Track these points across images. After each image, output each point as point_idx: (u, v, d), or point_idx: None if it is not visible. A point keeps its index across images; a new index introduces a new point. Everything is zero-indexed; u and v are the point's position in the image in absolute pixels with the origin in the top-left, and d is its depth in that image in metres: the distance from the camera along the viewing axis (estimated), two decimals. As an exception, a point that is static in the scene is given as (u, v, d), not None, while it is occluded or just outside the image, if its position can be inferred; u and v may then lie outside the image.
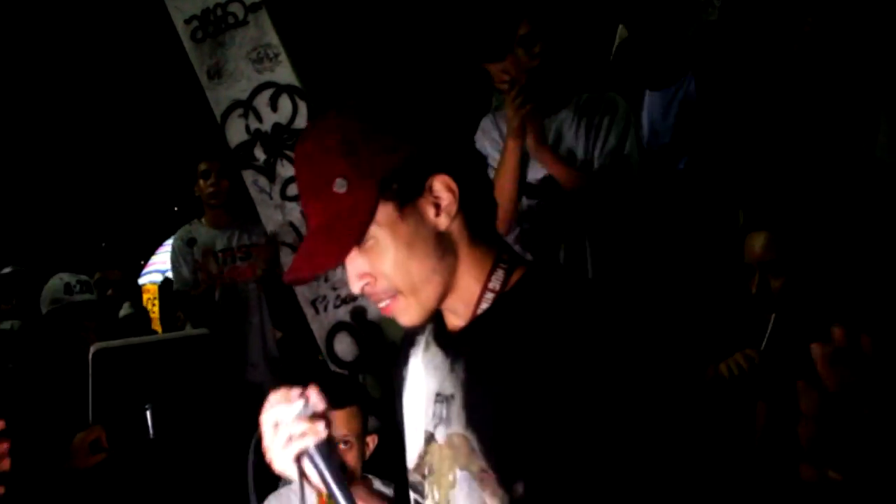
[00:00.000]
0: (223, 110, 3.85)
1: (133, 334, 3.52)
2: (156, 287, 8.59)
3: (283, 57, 3.79)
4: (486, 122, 3.16)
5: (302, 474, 1.38)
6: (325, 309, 3.79)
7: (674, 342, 1.30)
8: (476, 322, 1.39)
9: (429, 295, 1.36)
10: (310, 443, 1.36)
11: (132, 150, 8.63)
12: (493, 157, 2.97)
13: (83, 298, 3.81)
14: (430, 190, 1.34)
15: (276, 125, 3.81)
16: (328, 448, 1.37)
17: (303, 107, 3.79)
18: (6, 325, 4.08)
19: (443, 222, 1.34)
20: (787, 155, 3.06)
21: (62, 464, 2.72)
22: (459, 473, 1.38)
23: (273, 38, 3.80)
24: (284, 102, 3.81)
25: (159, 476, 2.99)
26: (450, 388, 1.41)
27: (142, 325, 5.85)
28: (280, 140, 3.81)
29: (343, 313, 3.78)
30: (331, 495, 1.37)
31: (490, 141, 3.08)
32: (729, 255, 2.75)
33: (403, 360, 1.57)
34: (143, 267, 9.39)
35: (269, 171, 3.82)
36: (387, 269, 1.33)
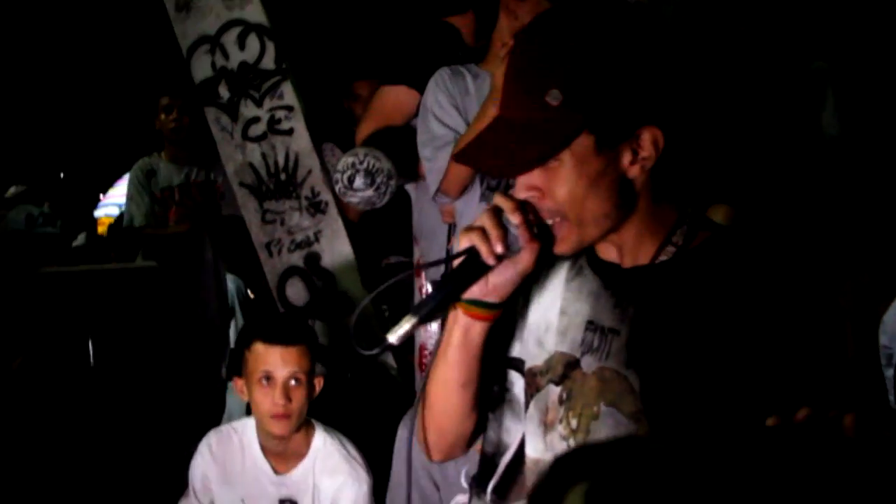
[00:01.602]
0: (189, 44, 3.79)
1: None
2: (110, 220, 8.49)
3: (254, -6, 3.73)
4: (445, 76, 2.95)
5: (454, 258, 1.37)
6: (279, 253, 3.77)
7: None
8: (655, 268, 1.38)
9: (593, 233, 1.36)
10: (481, 250, 1.33)
11: (95, 79, 8.47)
12: (449, 113, 2.91)
13: (45, 231, 3.79)
14: (637, 139, 1.31)
15: (243, 64, 3.75)
16: (476, 272, 1.35)
17: (271, 47, 3.74)
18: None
19: (634, 171, 1.33)
20: (742, 130, 3.06)
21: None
22: (605, 408, 1.38)
23: (245, -26, 3.73)
24: (252, 41, 3.75)
25: (99, 406, 2.98)
26: (611, 321, 1.40)
27: (97, 256, 5.77)
28: (245, 79, 3.76)
29: (297, 258, 3.76)
30: (422, 302, 1.37)
31: (447, 96, 2.99)
32: None
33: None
34: (100, 199, 9.26)
35: (231, 110, 3.77)
36: (561, 196, 1.32)
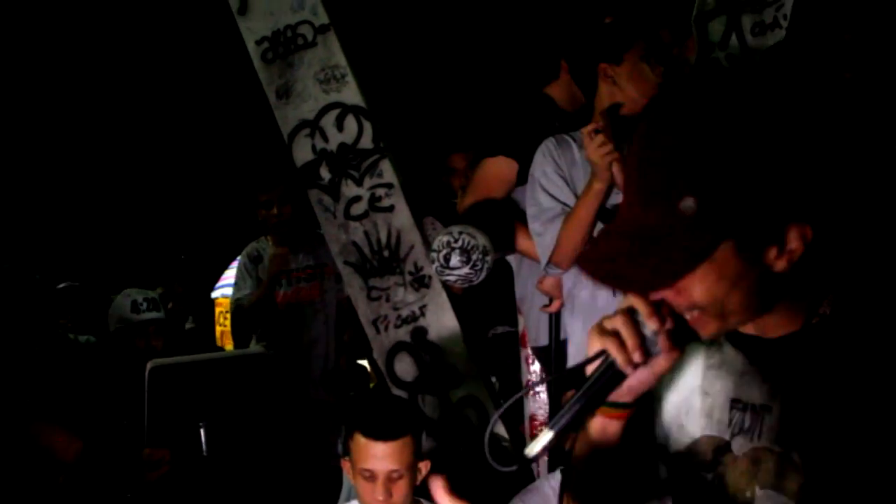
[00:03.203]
0: (290, 130, 3.90)
1: (195, 348, 3.58)
2: (228, 301, 8.73)
3: (349, 78, 3.83)
4: (550, 147, 2.95)
5: (587, 363, 1.28)
6: (386, 329, 3.80)
7: None
8: (803, 335, 1.29)
9: (736, 322, 1.27)
10: (617, 359, 1.24)
11: (209, 165, 8.81)
12: (557, 184, 2.89)
13: (150, 317, 3.91)
14: (783, 238, 1.19)
15: (342, 145, 3.84)
16: (615, 380, 1.26)
17: (368, 127, 3.82)
18: (83, 338, 4.20)
19: (780, 266, 1.21)
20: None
21: (129, 478, 2.78)
22: (759, 492, 1.30)
23: (341, 59, 3.84)
24: (350, 123, 3.84)
25: (212, 494, 3.03)
26: (760, 397, 1.32)
27: (204, 339, 5.97)
28: (345, 160, 3.84)
29: (403, 333, 3.78)
30: (567, 404, 1.27)
31: (554, 167, 2.96)
32: None
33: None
34: (216, 281, 9.54)
35: (333, 191, 3.86)
36: (699, 297, 1.21)
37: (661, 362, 1.27)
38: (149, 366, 2.61)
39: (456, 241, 3.06)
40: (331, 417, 4.42)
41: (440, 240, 3.08)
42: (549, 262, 2.85)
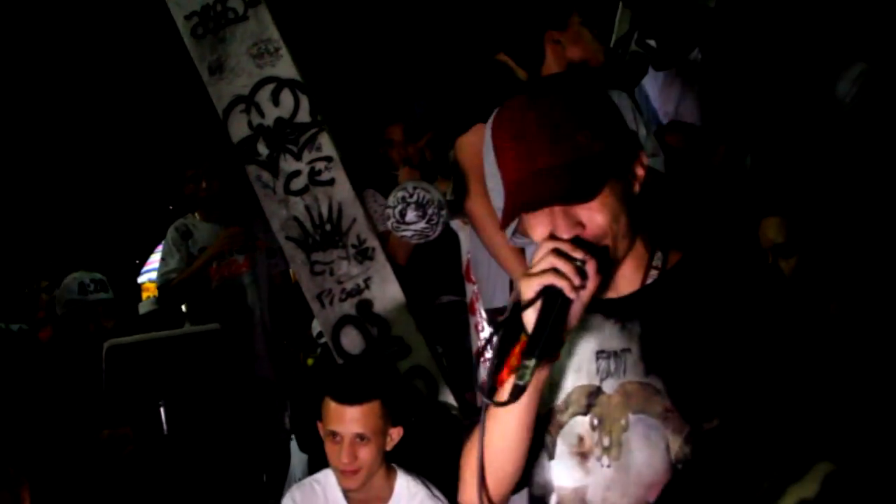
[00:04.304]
0: (225, 106, 3.84)
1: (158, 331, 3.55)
2: (155, 285, 8.58)
3: (283, 51, 3.78)
4: None
5: (533, 301, 1.49)
6: (331, 303, 3.79)
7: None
8: (647, 289, 1.63)
9: (624, 249, 1.59)
10: (562, 286, 1.47)
11: (124, 149, 8.62)
12: None
13: (99, 297, 3.85)
14: (639, 160, 1.60)
15: (279, 119, 3.80)
16: (564, 307, 1.49)
17: (304, 101, 3.78)
18: (14, 326, 4.10)
19: (636, 187, 1.59)
20: (797, 141, 3.11)
21: (89, 457, 2.73)
22: (632, 417, 1.58)
23: (273, 32, 3.79)
24: (286, 97, 3.80)
25: (174, 471, 2.99)
26: (620, 343, 1.62)
27: (166, 321, 5.87)
28: (283, 134, 3.80)
29: (349, 306, 3.77)
30: (531, 343, 1.48)
31: None
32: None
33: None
34: (140, 265, 9.38)
35: (272, 166, 3.81)
36: (604, 220, 1.53)
37: (589, 287, 1.51)
38: (105, 346, 2.56)
39: (411, 195, 3.07)
40: (277, 394, 4.41)
41: (395, 196, 3.08)
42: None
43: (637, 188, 1.59)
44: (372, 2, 6.07)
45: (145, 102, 7.97)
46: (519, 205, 1.54)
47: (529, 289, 1.50)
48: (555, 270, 1.48)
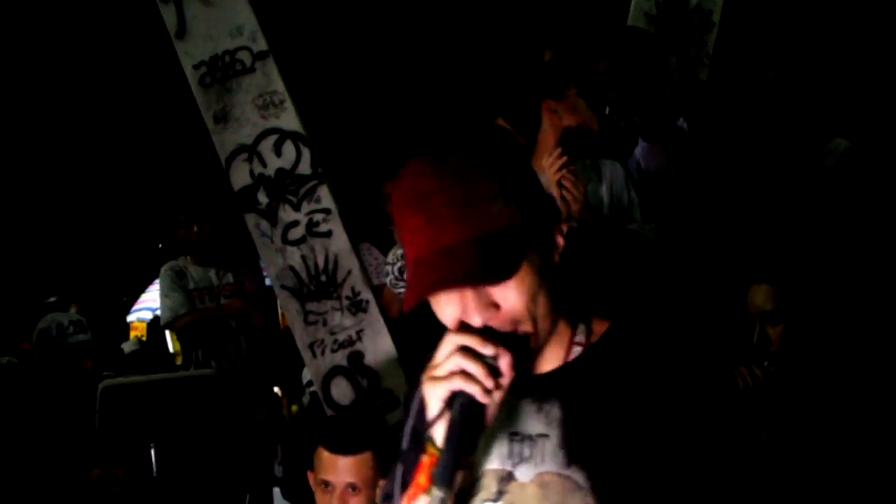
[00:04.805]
0: (228, 154, 3.91)
1: (140, 371, 3.56)
2: (144, 325, 8.58)
3: (288, 104, 3.86)
4: None
5: (441, 413, 1.31)
6: (323, 353, 3.82)
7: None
8: (567, 368, 1.44)
9: (545, 331, 1.39)
10: (473, 392, 1.28)
11: (115, 187, 8.68)
12: None
13: (80, 339, 3.86)
14: (558, 228, 1.43)
15: (280, 170, 3.86)
16: (478, 414, 1.30)
17: (306, 153, 3.85)
18: (3, 359, 4.12)
19: (556, 257, 1.41)
20: (785, 204, 3.20)
21: (78, 497, 2.74)
22: None
23: (279, 85, 3.87)
24: (288, 148, 3.86)
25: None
26: (537, 427, 1.42)
27: (149, 360, 5.92)
28: (283, 185, 3.86)
29: (340, 357, 3.81)
30: (442, 455, 1.30)
31: None
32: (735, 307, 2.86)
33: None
34: (129, 304, 9.36)
35: (271, 216, 3.87)
36: (520, 300, 1.34)
37: (505, 384, 1.32)
38: (101, 386, 2.59)
39: None
40: (268, 440, 4.42)
41: (395, 253, 3.14)
42: None
43: (556, 258, 1.41)
44: (376, 61, 6.18)
45: (138, 143, 8.06)
46: (423, 288, 1.32)
47: (435, 397, 1.31)
48: (463, 373, 1.29)
